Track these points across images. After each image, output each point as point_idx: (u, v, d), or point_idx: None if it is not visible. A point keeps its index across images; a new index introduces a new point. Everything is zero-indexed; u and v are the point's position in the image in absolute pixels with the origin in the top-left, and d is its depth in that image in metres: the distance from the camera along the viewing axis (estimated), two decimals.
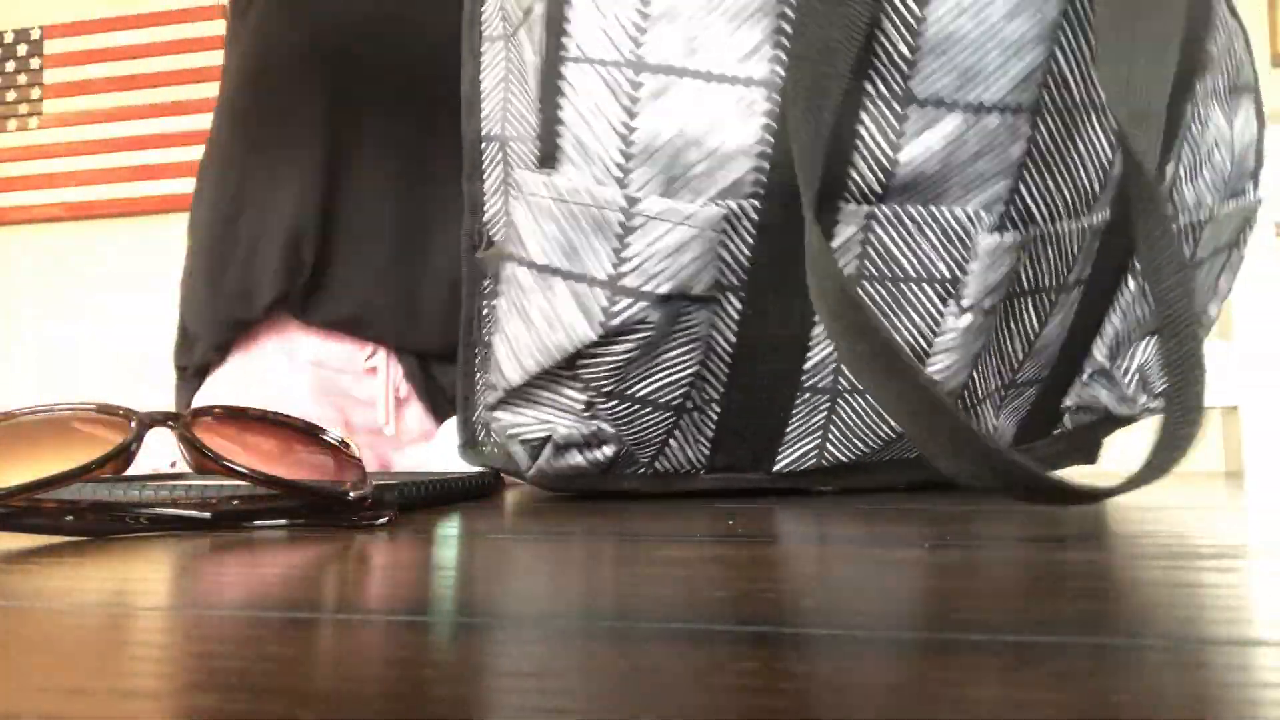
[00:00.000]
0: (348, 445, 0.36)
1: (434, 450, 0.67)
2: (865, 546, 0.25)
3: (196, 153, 2.43)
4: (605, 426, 0.42)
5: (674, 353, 0.40)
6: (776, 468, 0.44)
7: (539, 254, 0.40)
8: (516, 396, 0.43)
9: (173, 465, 0.75)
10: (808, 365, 0.42)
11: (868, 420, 0.43)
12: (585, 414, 0.42)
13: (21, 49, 2.60)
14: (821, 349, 0.41)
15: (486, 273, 0.47)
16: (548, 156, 0.39)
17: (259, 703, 0.12)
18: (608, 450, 0.42)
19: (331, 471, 0.34)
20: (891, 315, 0.40)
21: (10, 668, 0.14)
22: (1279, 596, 0.18)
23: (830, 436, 0.43)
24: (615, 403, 0.41)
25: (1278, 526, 0.29)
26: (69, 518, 0.30)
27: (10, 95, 2.60)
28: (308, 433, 0.35)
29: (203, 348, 0.75)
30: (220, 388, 0.75)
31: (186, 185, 2.41)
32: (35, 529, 0.30)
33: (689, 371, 0.41)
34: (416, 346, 0.73)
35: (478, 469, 0.49)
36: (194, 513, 0.32)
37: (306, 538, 0.30)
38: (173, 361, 0.79)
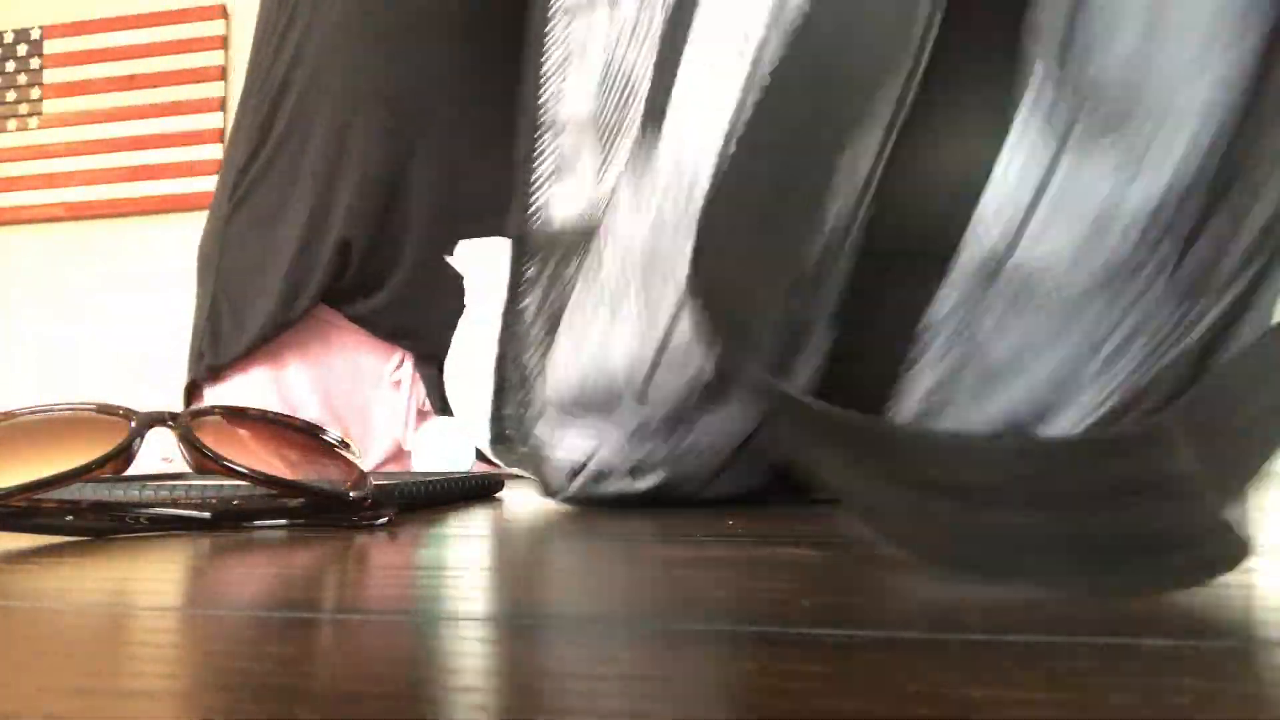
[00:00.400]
0: (347, 445, 0.36)
1: (418, 449, 0.66)
2: (865, 545, 0.25)
3: (196, 153, 2.43)
4: (655, 452, 0.37)
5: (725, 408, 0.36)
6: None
7: (610, 274, 0.34)
8: (564, 411, 0.38)
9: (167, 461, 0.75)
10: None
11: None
12: (635, 437, 0.36)
13: (21, 49, 2.60)
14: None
15: (534, 252, 0.42)
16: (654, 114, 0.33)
17: (259, 703, 0.12)
18: (651, 480, 0.37)
19: (331, 471, 0.35)
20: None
21: (10, 668, 0.14)
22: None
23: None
24: (679, 431, 0.36)
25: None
26: (69, 518, 0.30)
27: (10, 95, 2.60)
28: (308, 433, 0.35)
29: (231, 349, 0.74)
30: (238, 396, 0.74)
31: (186, 185, 2.41)
32: (35, 529, 0.30)
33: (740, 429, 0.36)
34: (440, 358, 0.73)
35: (483, 476, 0.49)
36: (194, 513, 0.32)
37: (306, 538, 0.30)
38: (189, 367, 0.79)
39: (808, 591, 0.19)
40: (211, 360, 0.75)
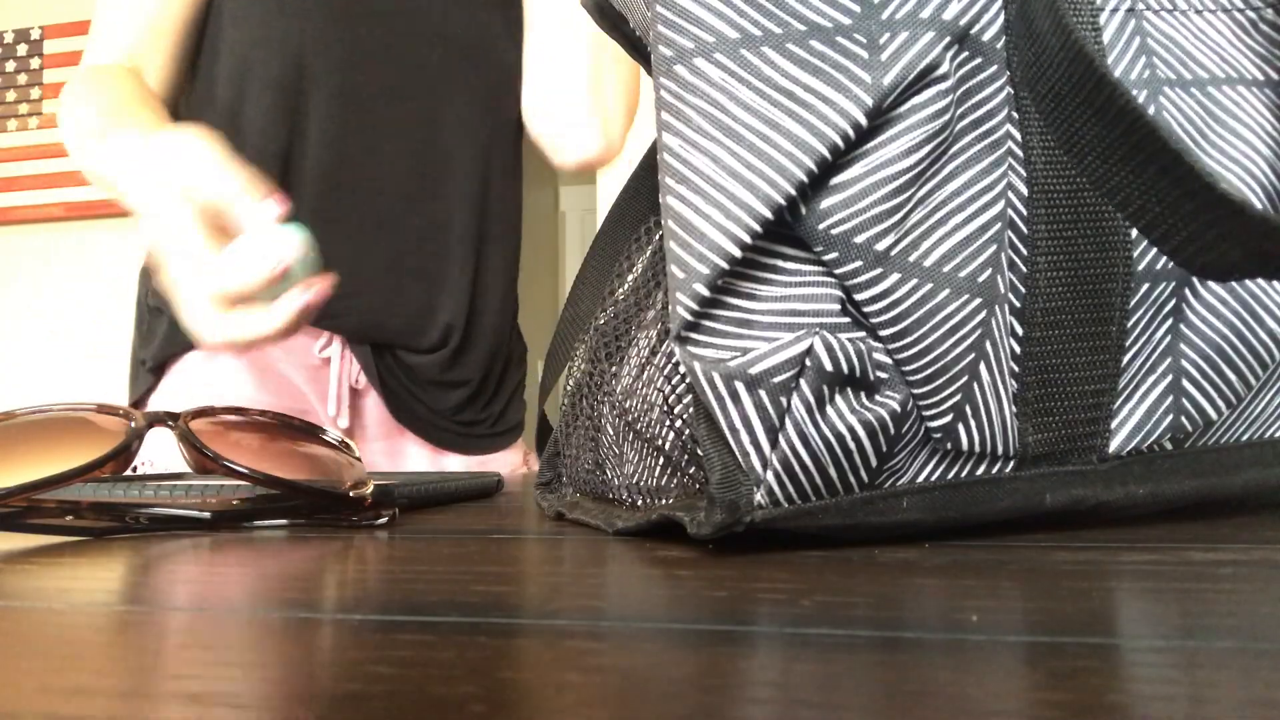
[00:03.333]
0: (348, 445, 0.36)
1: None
2: (865, 545, 0.25)
3: None
4: (878, 353, 0.24)
5: (969, 170, 0.25)
6: (1115, 444, 0.27)
7: (726, 26, 0.24)
8: (721, 298, 0.24)
9: (146, 465, 0.74)
10: (1140, 224, 0.23)
11: (1237, 325, 0.27)
12: (841, 317, 0.24)
13: (21, 49, 2.60)
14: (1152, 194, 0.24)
15: None
16: None
17: (260, 702, 0.12)
18: (891, 400, 0.24)
19: (331, 471, 0.35)
20: (1206, 135, 0.27)
21: (10, 668, 0.14)
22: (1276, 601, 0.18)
23: (1186, 368, 0.27)
24: (896, 279, 0.24)
25: None
26: (69, 518, 0.30)
27: (10, 95, 2.60)
28: (308, 432, 0.35)
29: (164, 339, 0.75)
30: (176, 383, 0.75)
31: None
32: (35, 529, 0.30)
33: (994, 210, 0.25)
34: (374, 337, 0.74)
35: (482, 476, 0.49)
36: (194, 513, 0.32)
37: (306, 538, 0.30)
38: (131, 355, 0.80)
39: (808, 591, 0.19)
40: (150, 363, 0.76)
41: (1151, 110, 0.27)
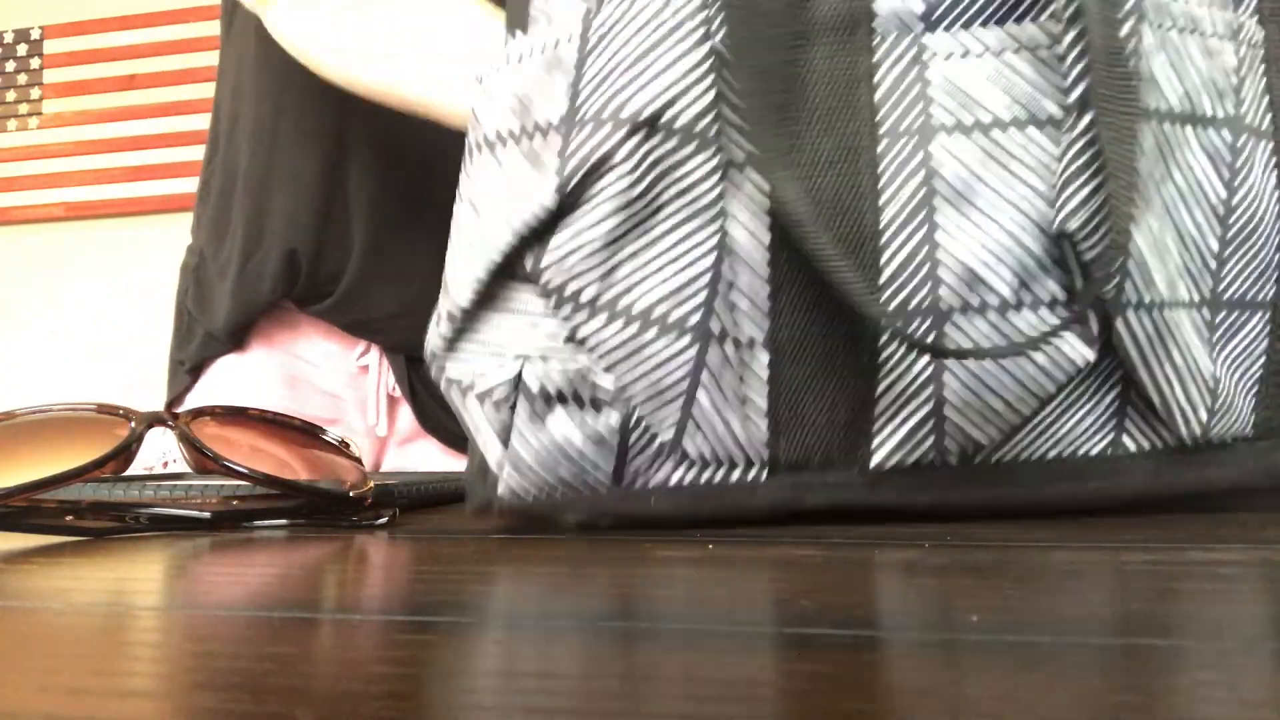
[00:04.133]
0: (347, 445, 0.36)
1: None
2: (864, 546, 0.25)
3: (197, 153, 2.43)
4: (599, 375, 0.29)
5: (677, 233, 0.29)
6: (875, 460, 0.30)
7: (489, 128, 0.31)
8: (468, 328, 0.31)
9: (164, 466, 0.76)
10: (888, 270, 0.28)
11: (1000, 361, 0.29)
12: (567, 344, 0.29)
13: (21, 49, 2.60)
14: (906, 237, 0.29)
15: None
16: (515, 23, 0.32)
17: (259, 703, 0.12)
18: (610, 418, 0.29)
19: (332, 471, 0.35)
20: (982, 178, 0.29)
21: (10, 668, 0.14)
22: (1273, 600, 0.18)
23: (947, 396, 0.29)
24: (604, 320, 0.29)
25: None
26: (69, 518, 0.30)
27: (10, 95, 2.60)
28: (308, 432, 0.35)
29: (201, 342, 0.75)
30: (211, 384, 0.75)
31: (186, 185, 2.40)
32: (35, 529, 0.30)
33: (704, 264, 0.29)
34: (406, 349, 0.74)
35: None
36: (194, 513, 0.32)
37: (306, 538, 0.30)
38: (169, 355, 0.80)
39: (808, 591, 0.19)
40: (188, 364, 0.77)
41: (920, 156, 0.29)
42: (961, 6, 0.29)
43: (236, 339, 0.74)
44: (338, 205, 0.72)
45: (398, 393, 0.75)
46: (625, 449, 0.29)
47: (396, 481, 0.39)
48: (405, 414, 0.76)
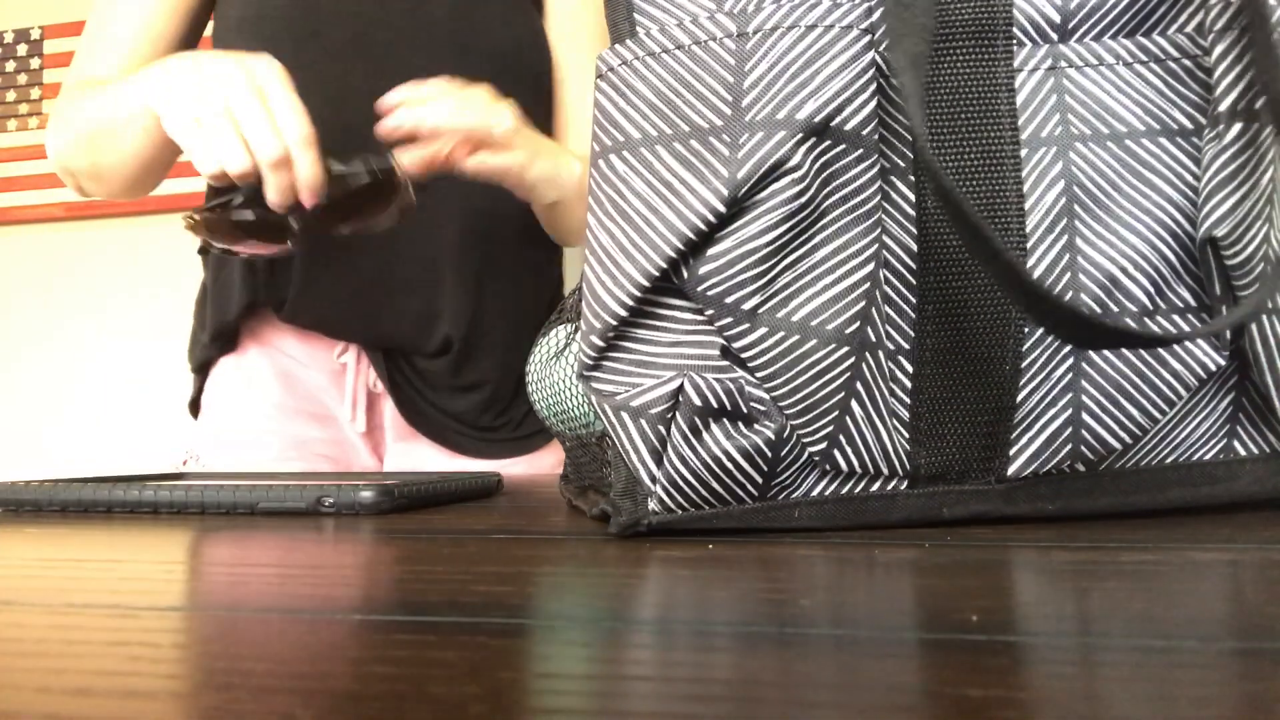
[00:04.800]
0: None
1: None
2: (864, 545, 0.25)
3: None
4: (753, 388, 0.28)
5: (838, 240, 0.29)
6: (1013, 468, 0.30)
7: (632, 128, 0.30)
8: (618, 343, 0.30)
9: (184, 464, 0.77)
10: (1035, 270, 0.29)
11: (1139, 365, 0.29)
12: (721, 360, 0.29)
13: (21, 49, 2.60)
14: (1049, 245, 0.29)
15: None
16: (622, 27, 0.31)
17: (259, 702, 0.12)
18: (766, 429, 0.28)
19: None
20: (1119, 188, 0.29)
21: (10, 668, 0.14)
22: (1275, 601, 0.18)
23: (1086, 402, 0.29)
24: (763, 332, 0.28)
25: None
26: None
27: (10, 95, 2.60)
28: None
29: (201, 347, 0.78)
30: (217, 384, 0.78)
31: (186, 185, 2.41)
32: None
33: (863, 272, 0.28)
34: (382, 344, 0.75)
35: (482, 476, 0.49)
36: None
37: (307, 538, 0.30)
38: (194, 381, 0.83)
39: (808, 591, 0.19)
40: (190, 357, 0.81)
41: (1060, 166, 0.29)
42: (1096, 17, 0.30)
43: (224, 343, 0.76)
44: None
45: (379, 388, 0.76)
46: (777, 462, 0.29)
47: (397, 482, 0.39)
48: (391, 410, 0.76)
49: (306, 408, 0.76)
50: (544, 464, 0.81)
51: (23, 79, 2.58)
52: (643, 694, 0.12)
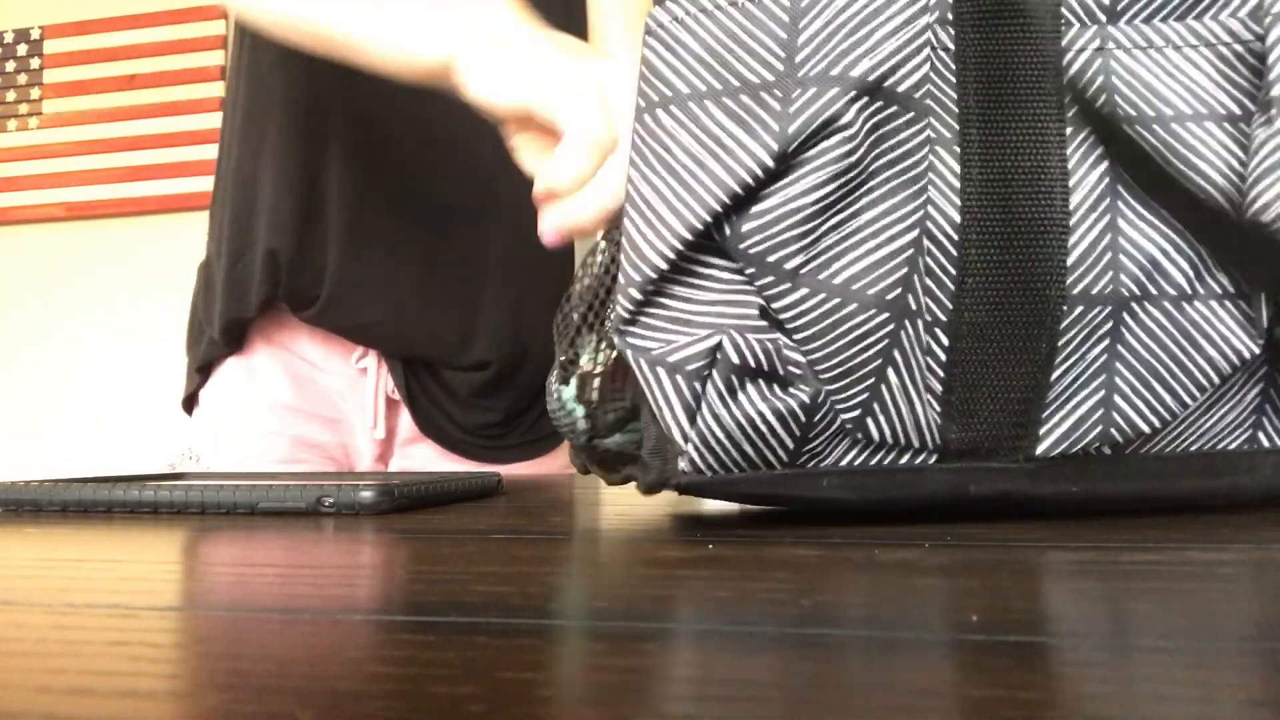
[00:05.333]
0: None
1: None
2: (864, 545, 0.25)
3: (196, 152, 2.43)
4: (791, 350, 0.28)
5: (884, 204, 0.28)
6: (1042, 447, 0.29)
7: (680, 83, 0.29)
8: (656, 299, 0.30)
9: (172, 466, 0.76)
10: (1073, 255, 0.28)
11: (1174, 350, 0.29)
12: (760, 321, 0.29)
13: (21, 49, 2.60)
14: (1091, 224, 0.29)
15: None
16: None
17: (259, 703, 0.12)
18: (801, 393, 0.28)
19: None
20: (1165, 171, 0.29)
21: (9, 667, 0.14)
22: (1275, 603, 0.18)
23: (1119, 384, 0.29)
24: (804, 293, 0.28)
25: None
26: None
27: (10, 95, 2.60)
28: None
29: (206, 344, 0.76)
30: (222, 384, 0.76)
31: (186, 185, 2.41)
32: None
33: (907, 238, 0.28)
34: (407, 353, 0.74)
35: (482, 476, 0.49)
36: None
37: (306, 537, 0.30)
38: (185, 352, 0.81)
39: (808, 591, 0.19)
40: (197, 363, 0.78)
41: (1104, 146, 0.29)
42: None
43: (234, 340, 0.75)
44: (316, 206, 0.72)
45: (397, 396, 0.75)
46: (810, 427, 0.28)
47: (398, 482, 0.39)
48: (406, 417, 0.76)
49: (317, 410, 0.75)
50: (552, 466, 0.81)
51: (23, 79, 2.58)
52: (643, 694, 0.12)
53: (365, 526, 0.33)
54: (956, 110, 0.29)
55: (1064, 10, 0.29)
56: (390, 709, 0.12)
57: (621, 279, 0.30)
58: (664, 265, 0.29)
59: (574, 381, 0.38)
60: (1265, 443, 0.31)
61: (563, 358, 0.37)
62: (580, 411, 0.36)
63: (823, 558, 0.23)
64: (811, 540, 0.27)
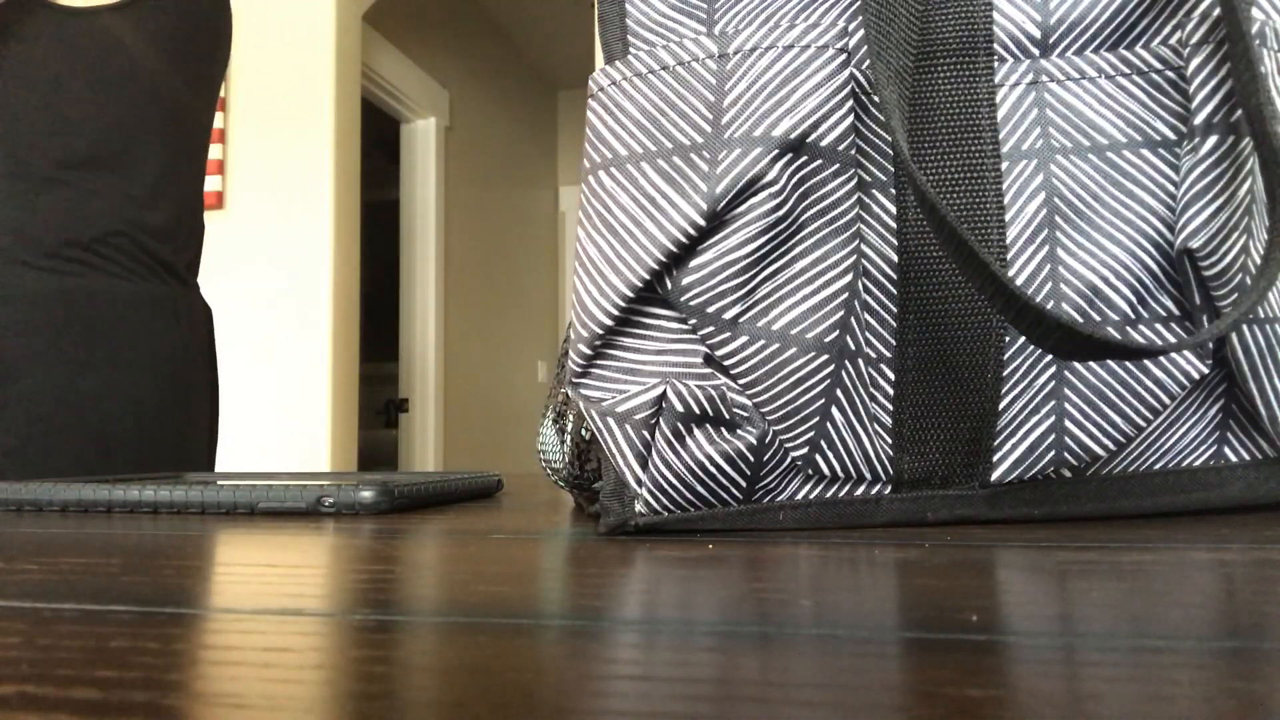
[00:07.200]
0: None
1: None
2: (864, 545, 0.25)
3: None
4: (736, 395, 0.29)
5: (816, 251, 0.29)
6: (996, 474, 0.30)
7: (619, 145, 0.31)
8: (605, 351, 0.31)
9: None
10: (1016, 280, 0.29)
11: (1121, 374, 0.29)
12: (704, 368, 0.30)
13: None
14: (1030, 256, 0.30)
15: None
16: (615, 48, 0.33)
17: (260, 702, 0.12)
18: (748, 434, 0.29)
19: None
20: (1100, 199, 0.30)
21: (12, 668, 0.14)
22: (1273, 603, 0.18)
23: (1069, 409, 0.30)
24: (744, 340, 0.29)
25: None
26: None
27: None
28: None
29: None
30: None
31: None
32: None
33: (841, 283, 0.29)
34: None
35: (483, 476, 0.49)
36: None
37: (306, 537, 0.30)
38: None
39: (807, 591, 0.19)
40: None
41: (1040, 178, 0.30)
42: (1076, 32, 0.30)
43: None
44: None
45: None
46: (760, 466, 0.30)
47: (397, 482, 0.39)
48: None
49: None
50: None
51: None
52: (643, 693, 0.12)
53: (365, 526, 0.33)
54: (890, 152, 0.30)
55: (996, 46, 0.30)
56: (390, 709, 0.12)
57: (572, 334, 0.32)
58: (609, 320, 0.30)
59: (550, 413, 0.39)
60: (1232, 457, 0.31)
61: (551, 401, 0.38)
62: (554, 439, 0.37)
63: (823, 558, 0.23)
64: (811, 540, 0.27)
